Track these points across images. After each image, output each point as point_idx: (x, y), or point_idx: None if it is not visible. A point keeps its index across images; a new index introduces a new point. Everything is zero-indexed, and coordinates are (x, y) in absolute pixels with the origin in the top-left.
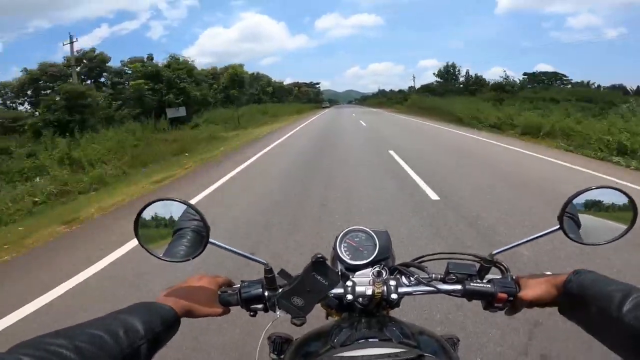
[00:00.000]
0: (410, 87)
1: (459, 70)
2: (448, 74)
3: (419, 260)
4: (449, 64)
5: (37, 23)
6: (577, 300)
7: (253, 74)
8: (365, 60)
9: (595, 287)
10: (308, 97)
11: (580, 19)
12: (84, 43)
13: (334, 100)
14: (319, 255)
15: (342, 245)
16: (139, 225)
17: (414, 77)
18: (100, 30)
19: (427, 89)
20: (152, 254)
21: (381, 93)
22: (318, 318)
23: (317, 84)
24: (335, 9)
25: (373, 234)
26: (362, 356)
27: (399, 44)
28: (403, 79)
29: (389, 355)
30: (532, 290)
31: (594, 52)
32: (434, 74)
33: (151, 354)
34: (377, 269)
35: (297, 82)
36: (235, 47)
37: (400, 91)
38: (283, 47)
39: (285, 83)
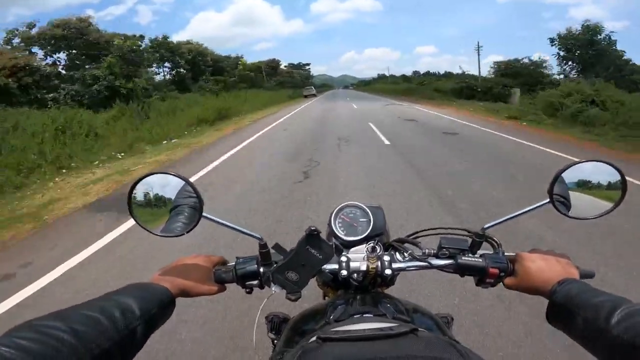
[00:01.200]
0: (414, 72)
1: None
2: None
3: (413, 236)
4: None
5: (18, 11)
6: (564, 310)
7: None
8: (361, 45)
9: (582, 297)
10: (293, 81)
11: (583, 10)
12: None
13: (328, 85)
14: (312, 228)
15: (337, 221)
16: (133, 199)
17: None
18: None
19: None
20: (146, 229)
21: (381, 78)
22: (317, 300)
23: (307, 65)
24: None
25: (368, 210)
26: (357, 330)
27: (395, 29)
28: (398, 65)
29: (382, 329)
30: (520, 279)
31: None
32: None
33: (147, 334)
34: (371, 244)
35: (274, 60)
36: (228, 31)
37: (404, 77)
38: (278, 31)
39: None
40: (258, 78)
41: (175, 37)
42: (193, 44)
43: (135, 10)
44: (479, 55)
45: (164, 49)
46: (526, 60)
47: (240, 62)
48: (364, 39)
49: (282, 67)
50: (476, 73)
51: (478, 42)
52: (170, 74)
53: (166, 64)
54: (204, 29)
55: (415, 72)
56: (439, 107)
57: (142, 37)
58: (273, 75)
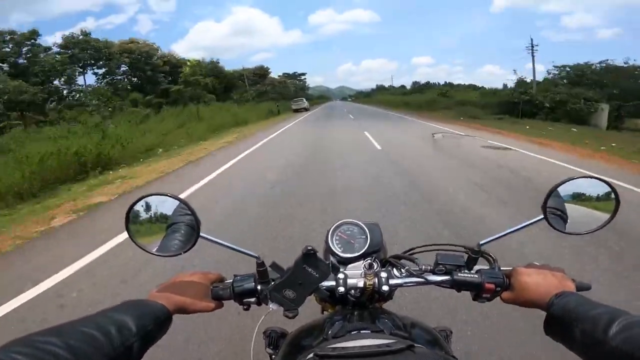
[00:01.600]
0: (414, 82)
1: None
2: None
3: (410, 252)
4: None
5: (18, 17)
6: (561, 322)
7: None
8: (358, 56)
9: (580, 309)
10: (283, 92)
11: (575, 18)
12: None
13: (325, 96)
14: (309, 248)
15: (334, 238)
16: (130, 220)
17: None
18: (86, 24)
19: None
20: (144, 249)
21: (380, 89)
22: (314, 314)
23: (303, 75)
24: (330, 4)
25: (364, 226)
26: (354, 347)
27: (392, 40)
28: (395, 77)
29: (379, 346)
30: (516, 294)
31: (586, 52)
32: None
33: (143, 351)
34: (368, 261)
35: (262, 67)
36: (226, 41)
37: (403, 87)
38: (276, 42)
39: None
40: (236, 86)
41: (175, 47)
42: (139, 42)
43: (135, 19)
44: (533, 58)
45: (91, 49)
46: (598, 64)
47: (188, 63)
48: (361, 50)
49: (274, 75)
50: (474, 84)
51: (532, 40)
52: (102, 81)
53: (95, 69)
54: (202, 39)
55: (415, 83)
56: (525, 137)
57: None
58: (257, 84)
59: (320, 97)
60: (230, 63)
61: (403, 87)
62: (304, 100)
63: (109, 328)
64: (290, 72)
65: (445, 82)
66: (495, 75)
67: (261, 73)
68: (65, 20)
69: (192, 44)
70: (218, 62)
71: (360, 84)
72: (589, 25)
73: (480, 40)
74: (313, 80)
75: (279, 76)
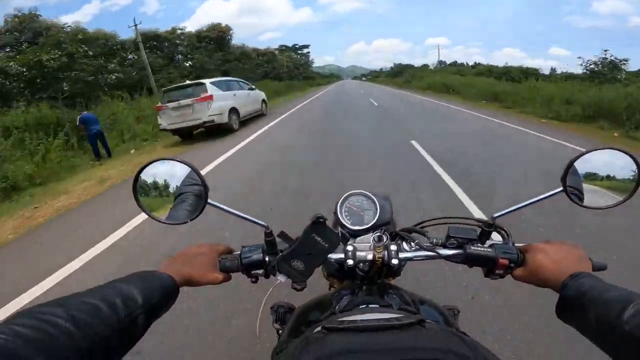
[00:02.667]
0: (440, 62)
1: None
2: None
3: (420, 225)
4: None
5: (19, 3)
6: (575, 305)
7: None
8: (370, 36)
9: (594, 292)
10: (282, 71)
11: (607, 4)
12: (72, 20)
13: (335, 75)
14: (318, 216)
15: (343, 210)
16: (138, 187)
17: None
18: (90, 7)
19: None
20: (150, 216)
21: (398, 68)
22: (323, 291)
23: (305, 48)
24: None
25: (374, 198)
26: (363, 320)
27: (406, 20)
28: (409, 56)
29: (388, 319)
30: (529, 272)
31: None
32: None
33: (149, 323)
34: (378, 233)
35: (215, 26)
36: (234, 21)
37: (425, 66)
38: (285, 21)
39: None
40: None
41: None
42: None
43: (141, 0)
44: None
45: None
46: None
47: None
48: (373, 29)
49: (245, 44)
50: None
51: None
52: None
53: None
54: (209, 19)
55: (441, 62)
56: None
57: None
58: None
59: (330, 75)
60: (240, 42)
61: (426, 66)
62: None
63: (115, 299)
64: (290, 44)
65: (476, 62)
66: (515, 58)
67: (216, 36)
68: (69, 3)
69: (198, 23)
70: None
71: (372, 63)
72: (624, 12)
73: (499, 22)
74: (324, 60)
75: (268, 49)
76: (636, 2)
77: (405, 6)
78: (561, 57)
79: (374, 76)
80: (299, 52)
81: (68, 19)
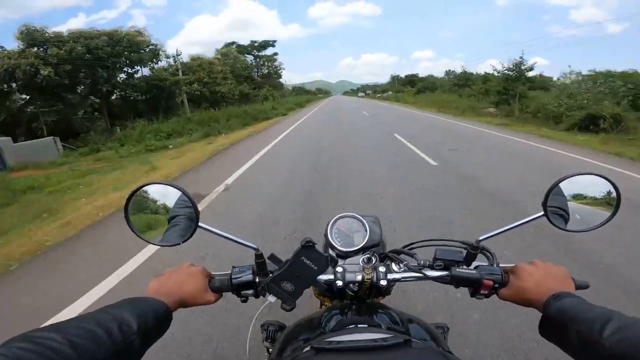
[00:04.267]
0: (448, 72)
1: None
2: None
3: (409, 247)
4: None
5: (3, 13)
6: (556, 324)
7: None
8: (358, 50)
9: (575, 311)
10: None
11: (583, 12)
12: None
13: (324, 90)
14: (307, 240)
15: (333, 232)
16: (130, 208)
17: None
18: (77, 20)
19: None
20: (142, 238)
21: (396, 80)
22: (313, 309)
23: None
24: None
25: (364, 220)
26: (350, 341)
27: (393, 34)
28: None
29: (375, 340)
30: (514, 292)
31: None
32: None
33: (144, 348)
34: (367, 255)
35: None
36: (223, 36)
37: (430, 77)
38: (274, 36)
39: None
40: None
41: (170, 42)
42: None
43: (129, 14)
44: None
45: None
46: None
47: None
48: (361, 44)
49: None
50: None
51: None
52: None
53: None
54: (199, 34)
55: (449, 72)
56: None
57: None
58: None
59: (317, 92)
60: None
61: (449, 73)
62: None
63: (110, 325)
64: (292, 69)
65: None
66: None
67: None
68: (54, 16)
69: (188, 39)
70: None
71: (360, 77)
72: (598, 19)
73: (483, 34)
74: (313, 76)
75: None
76: (610, 10)
77: (392, 21)
78: (542, 66)
79: (380, 90)
80: (255, 53)
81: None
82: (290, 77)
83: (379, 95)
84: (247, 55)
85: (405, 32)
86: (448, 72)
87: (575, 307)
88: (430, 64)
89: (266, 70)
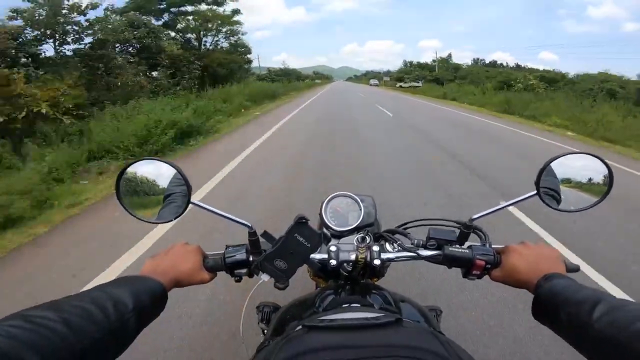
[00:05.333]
0: (475, 60)
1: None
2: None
3: (403, 226)
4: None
5: None
6: (548, 305)
7: None
8: (363, 37)
9: (566, 293)
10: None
11: (601, 10)
12: None
13: (325, 77)
14: (301, 216)
15: (328, 211)
16: (121, 186)
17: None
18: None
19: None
20: (134, 216)
21: (408, 66)
22: (310, 291)
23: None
24: None
25: (358, 199)
26: (343, 319)
27: (399, 22)
28: (400, 59)
29: (367, 318)
30: (506, 273)
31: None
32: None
33: (139, 327)
34: (361, 234)
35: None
36: None
37: (424, 64)
38: (278, 19)
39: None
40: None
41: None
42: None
43: None
44: None
45: None
46: None
47: None
48: (366, 30)
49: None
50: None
51: None
52: None
53: None
54: None
55: (477, 60)
56: None
57: None
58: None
59: (314, 76)
60: None
61: (477, 61)
62: None
63: (105, 303)
64: (294, 53)
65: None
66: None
67: None
68: None
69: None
70: None
71: (363, 64)
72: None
73: (493, 26)
74: (316, 60)
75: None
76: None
77: (399, 8)
78: (550, 61)
79: (395, 78)
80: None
81: None
82: (292, 61)
83: (403, 85)
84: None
85: (412, 20)
86: (476, 61)
87: (565, 289)
88: (434, 54)
89: (224, 42)
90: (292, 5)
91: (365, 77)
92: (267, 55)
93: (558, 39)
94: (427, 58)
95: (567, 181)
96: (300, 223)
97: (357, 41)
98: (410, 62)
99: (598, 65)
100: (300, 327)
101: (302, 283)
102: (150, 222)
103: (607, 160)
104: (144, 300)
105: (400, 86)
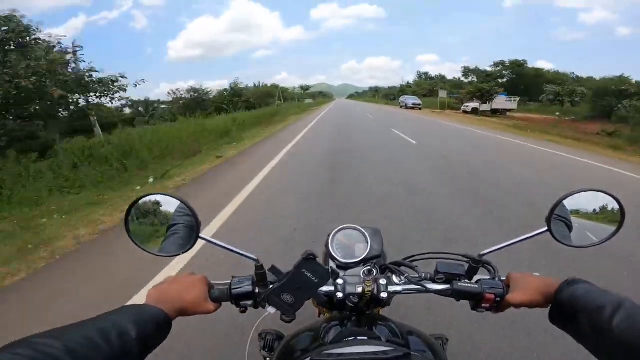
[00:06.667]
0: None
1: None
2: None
3: (410, 259)
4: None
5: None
6: (568, 310)
7: None
8: (362, 54)
9: (587, 298)
10: None
11: (593, 15)
12: (59, 33)
13: (327, 95)
14: (309, 252)
15: (334, 243)
16: (130, 219)
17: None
18: (77, 21)
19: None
20: (143, 249)
21: (425, 78)
22: (312, 317)
23: None
24: None
25: (365, 232)
26: (351, 354)
27: (397, 37)
28: (398, 75)
29: (375, 353)
30: (521, 293)
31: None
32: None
33: (143, 356)
34: (368, 267)
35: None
36: (225, 38)
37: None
38: (277, 39)
39: None
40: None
41: (171, 44)
42: None
43: (130, 15)
44: None
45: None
46: None
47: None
48: (365, 47)
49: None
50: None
51: None
52: None
53: None
54: (199, 35)
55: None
56: None
57: None
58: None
59: (320, 95)
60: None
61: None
62: None
63: (109, 332)
64: (292, 72)
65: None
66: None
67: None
68: (52, 14)
69: (188, 41)
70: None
71: (363, 81)
72: (610, 21)
73: (489, 38)
74: (315, 79)
75: None
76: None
77: (397, 23)
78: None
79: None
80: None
81: (57, 32)
82: (293, 80)
83: (481, 108)
84: None
85: (409, 35)
86: (497, 64)
87: (587, 293)
88: (433, 67)
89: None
90: (290, 25)
91: (368, 94)
92: (267, 75)
93: (552, 48)
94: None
95: (578, 216)
96: (309, 259)
97: (355, 58)
98: (427, 73)
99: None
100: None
101: (304, 308)
102: (156, 255)
103: (615, 195)
104: (148, 330)
105: (477, 111)
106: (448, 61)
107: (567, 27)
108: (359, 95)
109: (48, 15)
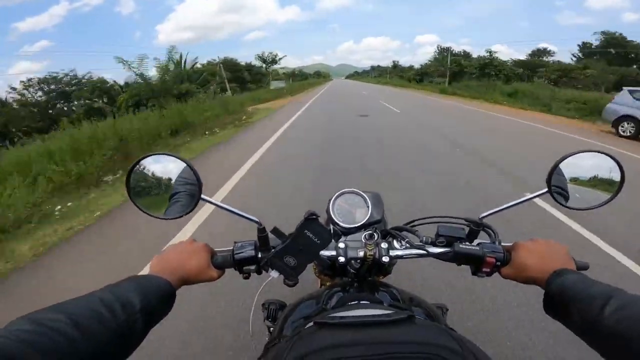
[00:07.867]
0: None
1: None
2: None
3: (411, 223)
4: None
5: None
6: (559, 301)
7: None
8: (359, 34)
9: (577, 288)
10: None
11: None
12: (39, 23)
13: (323, 75)
14: (311, 212)
15: (335, 208)
16: (132, 180)
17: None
18: (59, 8)
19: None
20: (144, 211)
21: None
22: (315, 289)
23: None
24: None
25: (366, 196)
26: (354, 316)
27: (395, 17)
28: (397, 55)
29: (379, 315)
30: (517, 270)
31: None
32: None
33: (147, 328)
34: (369, 231)
35: None
36: (216, 19)
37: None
38: (272, 20)
39: None
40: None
41: (160, 27)
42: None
43: (116, 1)
44: None
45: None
46: None
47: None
48: (362, 27)
49: None
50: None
51: None
52: None
53: None
54: (190, 17)
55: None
56: None
57: None
58: None
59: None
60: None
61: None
62: None
63: (114, 304)
64: (289, 52)
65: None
66: (503, 54)
67: None
68: (35, 3)
69: (178, 23)
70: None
71: (360, 62)
72: (617, 8)
73: (490, 19)
74: (313, 59)
75: None
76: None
77: (392, 4)
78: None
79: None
80: None
81: (35, 20)
82: (288, 61)
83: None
84: None
85: (408, 15)
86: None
87: (576, 284)
88: (431, 48)
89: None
90: (285, 5)
91: (371, 74)
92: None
93: (556, 31)
94: (421, 55)
95: (577, 179)
96: (311, 219)
97: (353, 39)
98: (449, 51)
99: None
100: (311, 324)
101: (306, 280)
102: (159, 218)
103: (616, 157)
104: (152, 300)
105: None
106: (448, 42)
107: (572, 11)
108: (359, 75)
109: (30, 3)
